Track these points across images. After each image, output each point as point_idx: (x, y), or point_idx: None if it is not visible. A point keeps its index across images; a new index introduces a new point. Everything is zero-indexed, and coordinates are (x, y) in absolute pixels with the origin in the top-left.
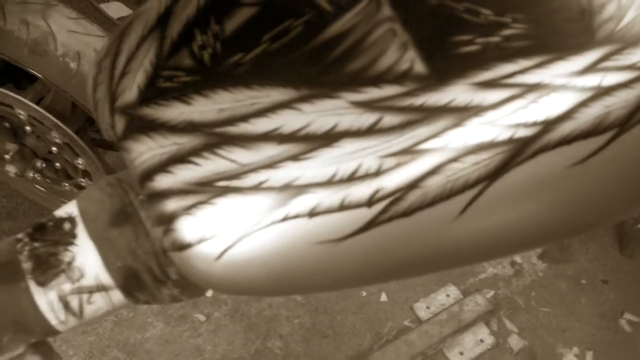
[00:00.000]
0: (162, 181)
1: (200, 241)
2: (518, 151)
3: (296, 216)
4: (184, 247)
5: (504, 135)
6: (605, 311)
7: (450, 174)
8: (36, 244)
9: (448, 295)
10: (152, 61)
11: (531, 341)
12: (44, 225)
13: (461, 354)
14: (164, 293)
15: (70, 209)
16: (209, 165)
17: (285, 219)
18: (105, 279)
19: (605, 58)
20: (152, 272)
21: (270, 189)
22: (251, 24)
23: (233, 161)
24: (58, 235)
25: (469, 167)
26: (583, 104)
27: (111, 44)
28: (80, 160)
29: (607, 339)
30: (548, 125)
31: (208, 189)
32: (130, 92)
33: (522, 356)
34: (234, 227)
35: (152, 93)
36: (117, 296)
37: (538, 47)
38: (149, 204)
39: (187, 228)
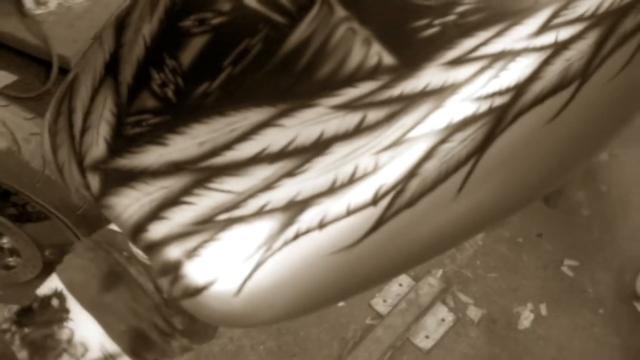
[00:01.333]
0: (158, 229)
1: (214, 281)
2: (499, 119)
3: (307, 231)
4: (198, 291)
5: (483, 107)
6: (546, 263)
7: (443, 155)
8: (26, 330)
9: (401, 285)
10: (112, 111)
11: (488, 308)
12: (30, 308)
13: (427, 337)
14: (174, 346)
15: (53, 284)
16: (204, 202)
17: (296, 236)
18: (111, 347)
19: (554, 15)
20: (158, 327)
21: (273, 210)
22: (208, 52)
23: (228, 192)
24: (48, 315)
25: (458, 144)
26: (546, 62)
27: (60, 102)
28: (4, 240)
29: (555, 288)
30: (520, 89)
31: (209, 225)
32: (97, 147)
33: (484, 324)
34: (246, 258)
35: (122, 142)
36: None
37: (492, 17)
38: (150, 256)
39: (196, 271)
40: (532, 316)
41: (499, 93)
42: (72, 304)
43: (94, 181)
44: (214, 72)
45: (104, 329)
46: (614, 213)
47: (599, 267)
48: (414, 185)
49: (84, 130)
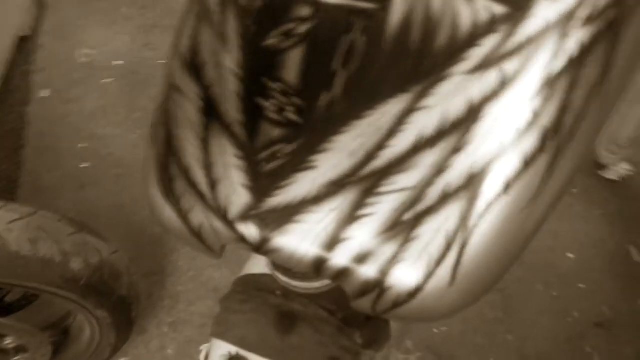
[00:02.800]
0: (344, 253)
1: (426, 278)
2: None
3: (495, 199)
4: (410, 297)
5: (601, 25)
6: None
7: (585, 82)
8: None
9: None
10: (237, 155)
11: None
12: None
13: None
14: None
15: (222, 350)
16: (382, 208)
17: (488, 207)
18: None
19: None
20: (346, 348)
21: (457, 190)
22: (310, 62)
23: (402, 189)
24: None
25: (591, 67)
26: None
27: (163, 168)
28: (7, 340)
29: None
30: None
31: (399, 229)
32: (238, 196)
33: None
34: (449, 245)
35: (265, 182)
36: None
37: None
38: (342, 281)
39: (403, 278)
40: None
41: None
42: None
43: (250, 230)
44: (327, 79)
45: None
46: None
47: None
48: (569, 119)
49: (213, 185)
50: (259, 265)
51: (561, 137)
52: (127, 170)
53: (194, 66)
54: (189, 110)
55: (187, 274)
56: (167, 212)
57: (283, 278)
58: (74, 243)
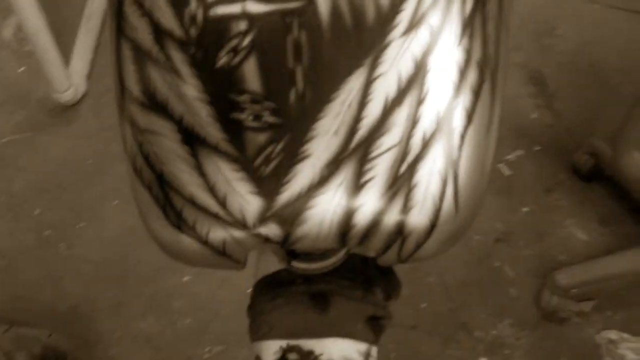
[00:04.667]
0: (363, 217)
1: (436, 214)
2: None
3: (465, 131)
4: (429, 232)
5: None
6: None
7: None
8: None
9: None
10: (234, 168)
11: None
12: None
13: None
14: (390, 309)
15: (271, 349)
16: (380, 169)
17: (462, 139)
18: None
19: None
20: (377, 303)
21: (433, 134)
22: (267, 67)
23: (390, 148)
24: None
25: None
26: None
27: (167, 205)
28: None
29: None
30: None
31: (400, 181)
32: (250, 204)
33: None
34: (444, 181)
35: (270, 183)
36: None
37: None
38: (368, 243)
39: (418, 219)
40: None
41: None
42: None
43: (272, 230)
44: (288, 77)
45: (344, 337)
46: None
47: None
48: (491, 49)
49: (223, 202)
50: (268, 266)
51: (491, 65)
52: (9, 261)
53: (157, 105)
54: (170, 145)
55: (113, 335)
56: (186, 242)
57: (302, 265)
58: (11, 339)
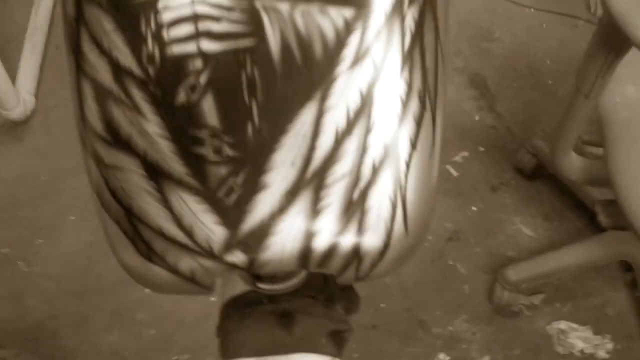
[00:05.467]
0: (320, 242)
1: (388, 236)
2: None
3: (410, 157)
4: (383, 253)
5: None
6: None
7: None
8: None
9: None
10: (197, 201)
11: None
12: None
13: None
14: (350, 323)
15: None
16: (334, 196)
17: (407, 165)
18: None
19: None
20: (338, 319)
21: (382, 161)
22: (223, 103)
23: (343, 176)
24: None
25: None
26: None
27: (136, 237)
28: None
29: None
30: None
31: (354, 207)
32: (215, 234)
33: None
34: (394, 205)
35: (233, 213)
36: None
37: None
38: (327, 265)
39: (372, 241)
40: None
41: None
42: None
43: (237, 257)
44: (244, 111)
45: (309, 352)
46: None
47: None
48: (431, 78)
49: (189, 233)
50: (235, 288)
51: (431, 94)
52: None
53: (120, 142)
54: (136, 180)
55: (79, 350)
56: (156, 271)
57: (266, 286)
58: None
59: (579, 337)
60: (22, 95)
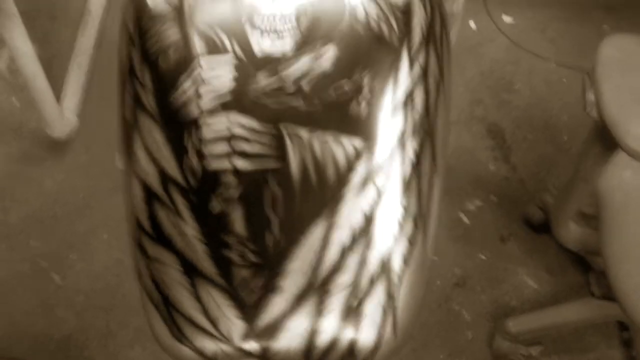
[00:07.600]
0: (325, 340)
1: (380, 339)
2: None
3: (403, 272)
4: (374, 352)
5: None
6: None
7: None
8: None
9: None
10: (224, 297)
11: None
12: None
13: None
14: None
15: None
16: (337, 304)
17: (400, 279)
18: None
19: None
20: None
21: (378, 275)
22: (249, 215)
23: (345, 286)
24: None
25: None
26: None
27: (172, 322)
28: None
29: None
30: None
31: (353, 313)
32: (236, 327)
33: None
34: (385, 313)
35: (252, 310)
36: None
37: None
38: (329, 357)
39: (366, 342)
40: None
41: None
42: None
43: (253, 347)
44: (266, 223)
45: None
46: None
47: None
48: (424, 201)
49: (215, 324)
50: None
51: (424, 217)
52: (5, 289)
53: (163, 239)
54: (174, 274)
55: None
56: (185, 351)
57: None
58: None
59: None
60: (66, 114)
